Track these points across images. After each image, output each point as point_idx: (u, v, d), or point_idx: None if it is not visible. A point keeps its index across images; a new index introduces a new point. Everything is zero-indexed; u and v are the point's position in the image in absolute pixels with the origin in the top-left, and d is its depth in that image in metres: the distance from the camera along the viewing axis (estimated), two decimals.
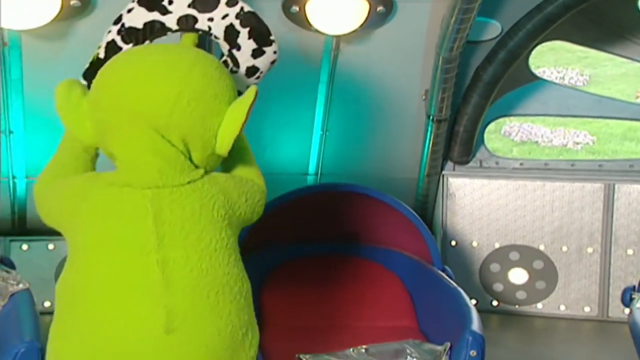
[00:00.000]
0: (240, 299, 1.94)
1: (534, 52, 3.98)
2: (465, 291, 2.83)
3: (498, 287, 4.16)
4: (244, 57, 2.28)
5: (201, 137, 1.96)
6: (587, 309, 4.13)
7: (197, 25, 2.28)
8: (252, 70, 2.29)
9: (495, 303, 4.17)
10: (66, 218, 1.97)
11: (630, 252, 4.05)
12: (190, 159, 1.97)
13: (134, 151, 1.93)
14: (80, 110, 2.00)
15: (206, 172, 1.99)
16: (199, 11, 2.27)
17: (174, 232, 1.86)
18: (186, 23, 2.25)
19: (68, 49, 3.50)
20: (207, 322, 1.86)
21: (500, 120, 5.93)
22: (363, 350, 2.60)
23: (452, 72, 3.68)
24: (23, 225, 3.96)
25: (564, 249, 4.12)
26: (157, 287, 1.83)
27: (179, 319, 1.83)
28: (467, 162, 4.16)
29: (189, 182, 1.92)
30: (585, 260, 4.12)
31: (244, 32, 2.25)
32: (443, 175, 4.15)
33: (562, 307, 4.15)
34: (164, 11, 2.27)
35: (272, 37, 2.28)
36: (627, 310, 2.88)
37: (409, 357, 2.55)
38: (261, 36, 2.27)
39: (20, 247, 3.95)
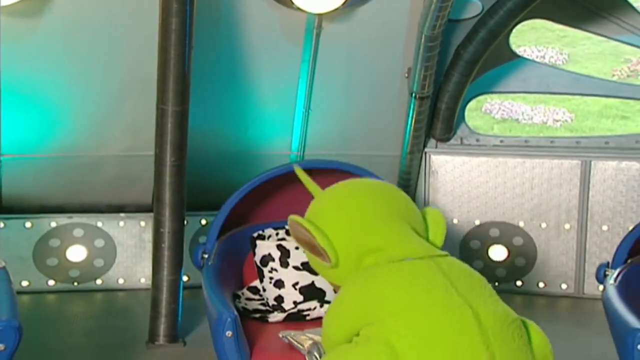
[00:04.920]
0: (530, 342, 2.17)
1: (514, 30, 3.99)
2: None
3: (478, 264, 4.21)
4: None
5: (420, 228, 2.39)
6: (564, 286, 4.20)
7: None
8: None
9: None
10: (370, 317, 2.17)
11: (605, 228, 4.12)
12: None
13: (402, 235, 2.28)
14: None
15: None
16: None
17: (461, 285, 2.11)
18: None
19: (43, 26, 3.44)
20: None
21: (481, 97, 5.96)
22: None
23: (435, 50, 3.67)
24: None
25: (543, 225, 4.18)
26: (473, 327, 2.02)
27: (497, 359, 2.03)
28: (449, 139, 4.18)
29: (446, 255, 2.25)
30: (563, 237, 4.18)
31: None
32: (425, 153, 4.16)
33: (541, 284, 4.22)
34: None
35: None
36: (601, 287, 2.93)
37: None
38: None
39: None
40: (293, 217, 2.34)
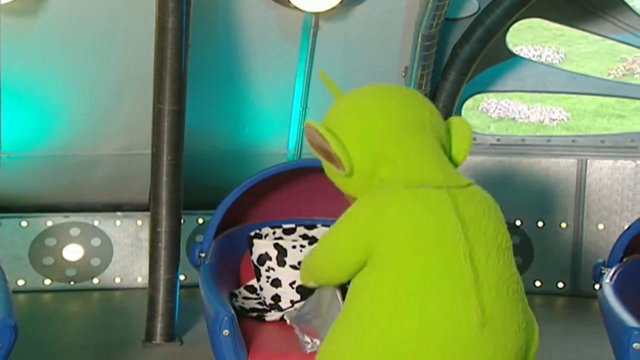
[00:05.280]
0: (524, 299, 2.00)
1: (511, 30, 4.01)
2: None
3: None
4: None
5: (446, 142, 2.12)
6: (560, 285, 4.21)
7: None
8: None
9: None
10: (371, 245, 1.97)
11: (601, 226, 4.13)
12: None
13: (422, 153, 2.03)
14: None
15: None
16: None
17: (473, 227, 1.93)
18: None
19: (40, 25, 3.43)
20: (509, 318, 1.92)
21: (478, 96, 5.97)
22: None
23: (432, 49, 3.68)
24: None
25: (540, 224, 4.19)
26: (469, 280, 1.88)
27: (488, 314, 1.87)
28: None
29: (468, 185, 2.00)
30: (560, 236, 4.19)
31: None
32: None
33: (537, 283, 4.23)
34: None
35: None
36: (597, 286, 2.94)
37: None
38: None
39: None
40: (309, 122, 2.09)
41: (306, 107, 3.91)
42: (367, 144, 2.04)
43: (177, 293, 3.46)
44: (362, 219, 1.98)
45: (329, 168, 2.14)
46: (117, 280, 4.11)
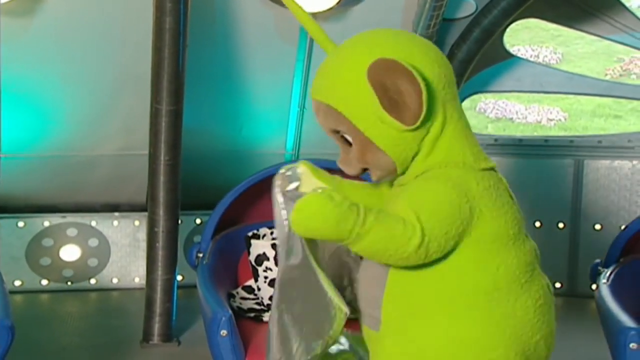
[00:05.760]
0: None
1: (509, 30, 4.01)
2: None
3: None
4: None
5: None
6: (557, 285, 4.22)
7: None
8: None
9: None
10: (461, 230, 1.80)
11: (597, 227, 4.14)
12: None
13: (467, 128, 1.85)
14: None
15: None
16: None
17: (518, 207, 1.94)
18: None
19: (37, 25, 3.43)
20: None
21: (476, 96, 5.99)
22: None
23: None
24: None
25: (537, 224, 4.20)
26: (537, 261, 1.91)
27: (548, 288, 1.96)
28: None
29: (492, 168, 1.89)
30: (556, 236, 4.20)
31: None
32: None
33: None
34: None
35: None
36: (594, 286, 2.95)
37: None
38: None
39: None
40: (392, 59, 1.64)
41: (304, 107, 3.92)
42: (439, 96, 1.74)
43: (175, 293, 3.46)
44: (459, 199, 1.74)
45: (376, 114, 1.70)
46: (115, 280, 4.10)
